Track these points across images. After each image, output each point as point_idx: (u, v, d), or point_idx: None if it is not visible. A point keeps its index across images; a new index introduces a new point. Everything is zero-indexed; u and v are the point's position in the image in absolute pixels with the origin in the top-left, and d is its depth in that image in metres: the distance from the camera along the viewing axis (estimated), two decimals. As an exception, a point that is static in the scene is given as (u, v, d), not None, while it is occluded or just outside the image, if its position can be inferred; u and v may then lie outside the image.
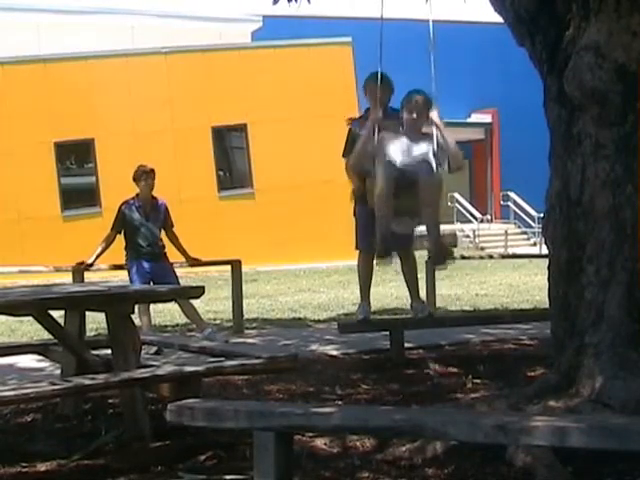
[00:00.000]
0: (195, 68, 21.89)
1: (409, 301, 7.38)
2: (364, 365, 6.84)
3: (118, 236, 8.38)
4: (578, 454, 3.57)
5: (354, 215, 7.42)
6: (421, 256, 7.19)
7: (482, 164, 33.07)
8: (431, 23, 6.25)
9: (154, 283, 8.03)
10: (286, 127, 22.09)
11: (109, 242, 8.35)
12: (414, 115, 6.23)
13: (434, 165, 6.10)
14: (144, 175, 8.32)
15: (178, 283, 8.13)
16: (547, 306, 4.85)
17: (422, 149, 6.16)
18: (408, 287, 7.30)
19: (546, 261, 4.83)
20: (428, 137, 6.22)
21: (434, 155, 6.13)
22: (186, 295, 6.49)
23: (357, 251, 7.47)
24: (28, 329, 9.90)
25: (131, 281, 8.15)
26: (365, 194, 6.88)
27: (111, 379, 4.51)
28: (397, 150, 6.14)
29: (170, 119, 21.66)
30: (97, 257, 8.45)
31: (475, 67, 30.75)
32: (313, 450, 4.31)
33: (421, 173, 6.00)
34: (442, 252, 6.39)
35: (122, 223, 8.30)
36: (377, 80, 6.78)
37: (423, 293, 7.39)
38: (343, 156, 7.43)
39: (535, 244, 27.42)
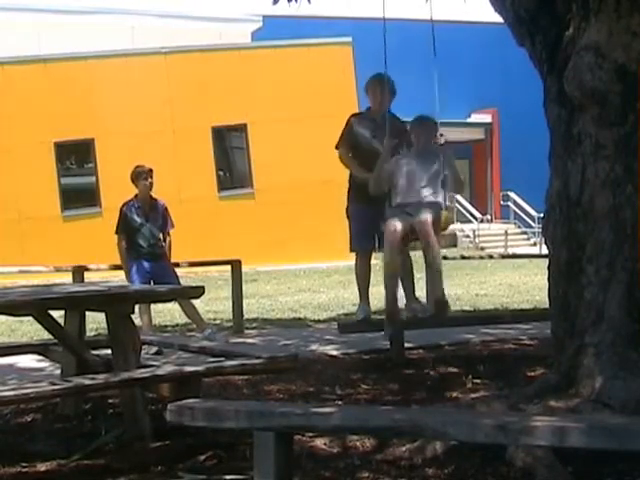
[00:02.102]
0: (195, 68, 21.88)
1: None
2: (364, 365, 6.83)
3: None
4: (578, 454, 3.57)
5: (347, 215, 7.34)
6: (420, 256, 7.18)
7: (482, 164, 33.09)
8: (432, 24, 6.29)
9: (154, 283, 8.04)
10: (286, 127, 22.08)
11: (124, 246, 8.32)
12: (422, 140, 6.94)
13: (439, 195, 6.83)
14: (141, 175, 8.32)
15: (178, 283, 8.14)
16: (547, 306, 4.84)
17: (431, 171, 6.86)
18: (403, 286, 7.27)
19: (546, 261, 4.82)
20: (436, 158, 6.89)
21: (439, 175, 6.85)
22: (186, 295, 6.49)
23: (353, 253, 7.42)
24: (28, 329, 9.90)
25: (131, 281, 8.15)
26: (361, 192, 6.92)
27: (111, 379, 4.51)
28: (406, 180, 6.82)
29: (170, 119, 21.66)
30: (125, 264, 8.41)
31: (475, 67, 30.77)
32: (313, 450, 4.30)
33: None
34: (442, 310, 6.80)
35: (125, 224, 8.30)
36: (380, 81, 6.89)
37: (423, 293, 7.36)
38: (336, 148, 7.42)
39: (535, 244, 27.45)
